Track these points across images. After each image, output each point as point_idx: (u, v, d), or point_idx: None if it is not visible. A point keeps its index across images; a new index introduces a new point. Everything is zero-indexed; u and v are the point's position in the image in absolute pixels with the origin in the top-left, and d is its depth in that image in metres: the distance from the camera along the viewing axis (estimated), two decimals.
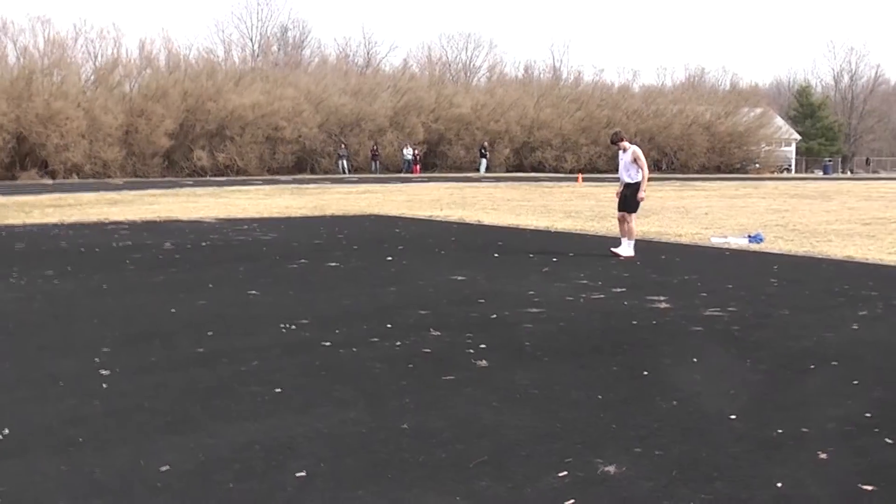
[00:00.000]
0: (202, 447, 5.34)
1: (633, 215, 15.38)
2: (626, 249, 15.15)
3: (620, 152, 15.56)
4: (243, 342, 8.20)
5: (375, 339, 8.25)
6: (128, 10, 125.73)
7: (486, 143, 65.58)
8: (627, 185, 15.44)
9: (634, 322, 9.22)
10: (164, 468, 4.98)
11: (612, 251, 15.09)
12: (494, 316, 9.50)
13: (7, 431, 5.62)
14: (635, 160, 15.32)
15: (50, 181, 48.78)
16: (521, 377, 6.93)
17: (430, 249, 16.11)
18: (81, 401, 6.33)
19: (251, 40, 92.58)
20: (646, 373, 7.07)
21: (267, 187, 40.76)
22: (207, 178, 53.79)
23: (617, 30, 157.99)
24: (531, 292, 11.06)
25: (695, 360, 7.53)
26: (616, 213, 15.73)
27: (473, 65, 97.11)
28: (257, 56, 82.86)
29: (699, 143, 74.79)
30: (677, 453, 5.23)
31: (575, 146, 70.04)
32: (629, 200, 15.36)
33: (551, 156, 69.52)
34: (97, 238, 18.02)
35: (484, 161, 64.42)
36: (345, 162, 61.36)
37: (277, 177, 54.86)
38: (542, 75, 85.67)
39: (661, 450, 5.28)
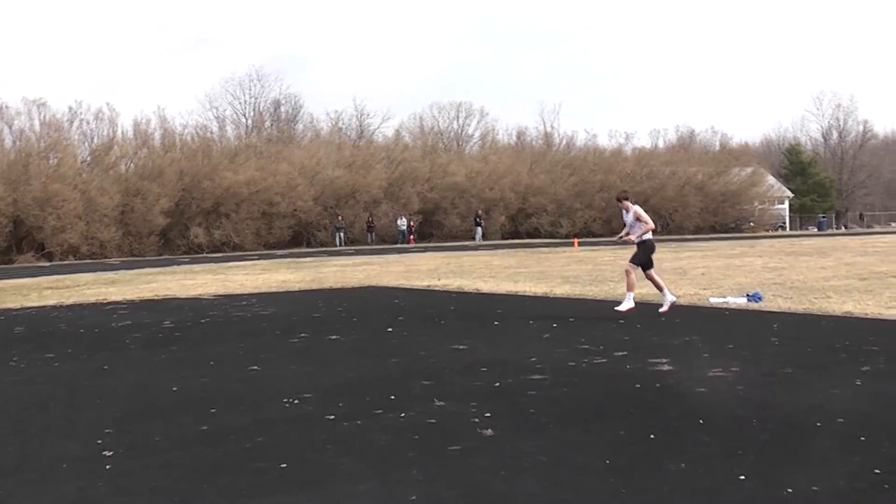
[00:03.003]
0: None
1: (633, 265, 15.60)
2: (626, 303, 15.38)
3: (623, 212, 15.89)
4: (247, 418, 8.16)
5: (380, 411, 8.22)
6: (123, 88, 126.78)
7: (480, 212, 65.83)
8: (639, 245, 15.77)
9: (638, 385, 9.19)
10: None
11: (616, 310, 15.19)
12: (498, 384, 9.47)
13: None
14: (638, 219, 15.58)
15: (47, 263, 48.87)
16: (528, 445, 6.90)
17: (430, 319, 16.09)
18: (87, 482, 6.29)
19: (245, 116, 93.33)
20: (652, 436, 7.03)
21: (264, 262, 40.83)
22: (204, 254, 53.88)
23: (608, 94, 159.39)
24: (533, 359, 11.03)
25: (701, 421, 7.50)
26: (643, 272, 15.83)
27: (466, 133, 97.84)
28: (251, 132, 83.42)
29: (693, 203, 75.22)
30: None
31: (570, 211, 70.50)
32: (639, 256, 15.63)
33: (546, 221, 69.91)
34: (96, 318, 18.00)
35: (479, 229, 64.65)
36: (342, 234, 61.55)
37: (274, 251, 55.00)
38: (534, 142, 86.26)
39: None
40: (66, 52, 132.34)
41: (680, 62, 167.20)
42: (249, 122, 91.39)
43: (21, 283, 30.52)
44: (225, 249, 57.16)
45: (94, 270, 38.05)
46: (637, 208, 15.78)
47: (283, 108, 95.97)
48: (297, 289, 24.48)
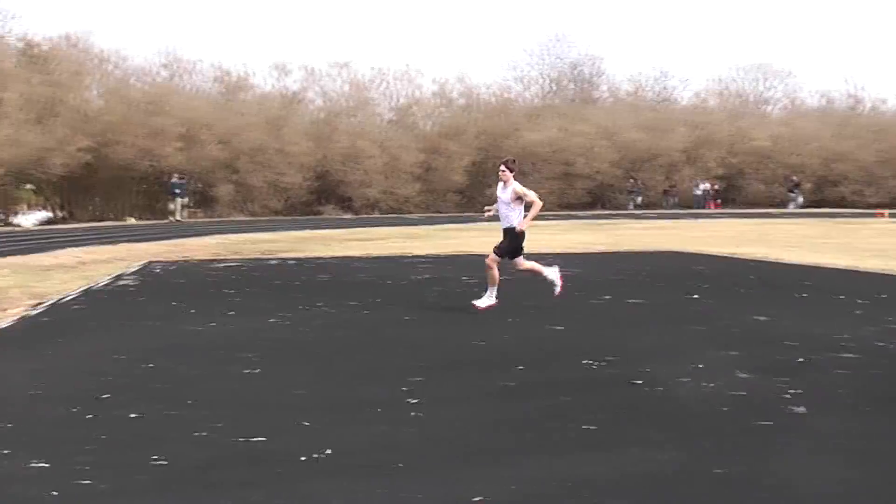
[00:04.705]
0: (515, 480, 5.34)
1: (495, 258, 13.21)
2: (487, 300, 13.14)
3: (501, 184, 13.35)
4: (550, 376, 8.21)
5: (685, 379, 8.07)
6: (425, 52, 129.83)
7: (799, 178, 63.53)
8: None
9: None
10: (479, 499, 4.99)
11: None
12: (805, 360, 9.08)
13: (329, 451, 5.82)
14: (519, 197, 13.17)
15: (349, 216, 50.81)
16: (837, 426, 6.58)
17: (731, 288, 15.68)
18: (394, 427, 6.48)
19: (544, 77, 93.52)
20: None
21: (562, 223, 40.97)
22: None
23: None
24: (841, 336, 10.52)
25: None
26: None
27: (768, 96, 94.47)
28: (551, 92, 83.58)
29: None
30: None
31: (876, 180, 66.96)
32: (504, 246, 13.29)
33: (852, 190, 66.70)
34: (397, 271, 18.57)
35: (796, 195, 62.61)
36: (637, 198, 61.01)
37: (571, 212, 55.10)
38: (840, 106, 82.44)
39: None
40: (371, 19, 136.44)
41: None
42: (549, 82, 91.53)
43: (325, 234, 31.92)
44: None
45: (395, 224, 39.25)
46: (519, 185, 13.18)
47: (584, 70, 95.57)
48: (596, 251, 24.44)
